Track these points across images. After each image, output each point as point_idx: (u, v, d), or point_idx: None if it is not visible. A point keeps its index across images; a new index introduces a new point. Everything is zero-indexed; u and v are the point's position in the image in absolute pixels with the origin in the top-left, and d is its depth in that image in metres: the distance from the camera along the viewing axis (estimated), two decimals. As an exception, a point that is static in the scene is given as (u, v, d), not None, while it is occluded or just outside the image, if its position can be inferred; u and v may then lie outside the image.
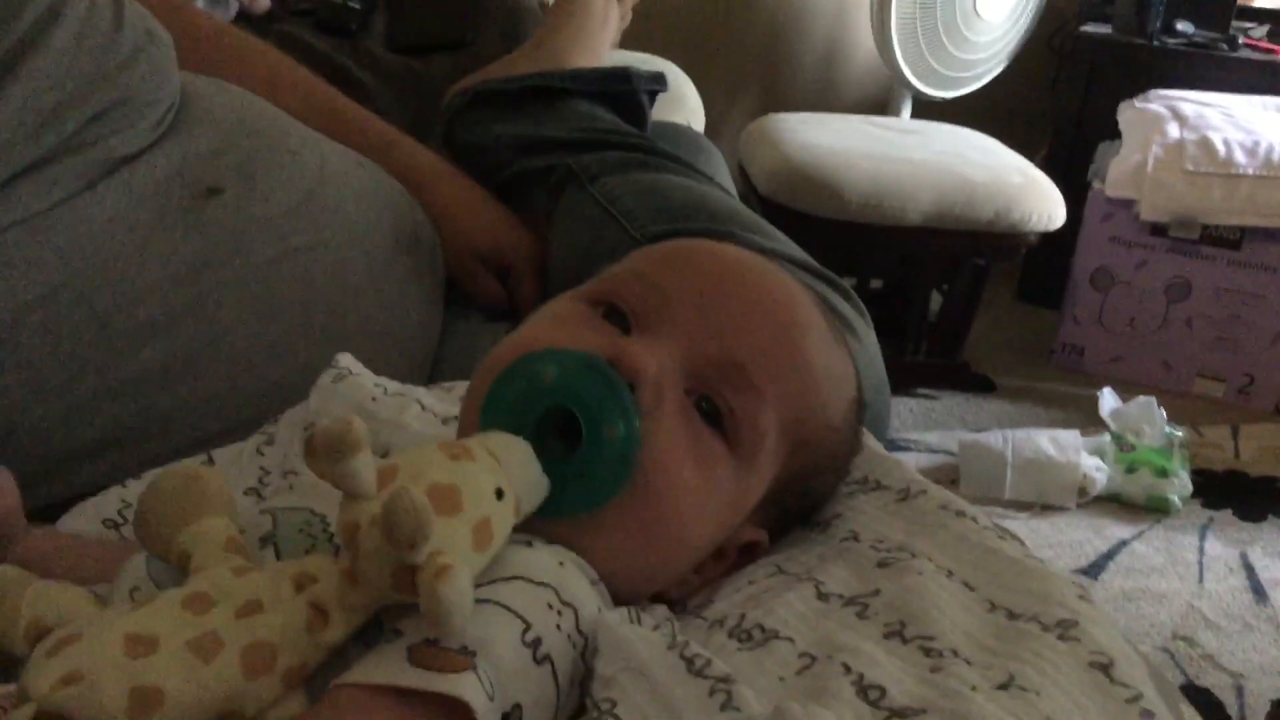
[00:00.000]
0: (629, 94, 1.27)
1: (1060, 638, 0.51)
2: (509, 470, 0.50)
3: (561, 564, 0.53)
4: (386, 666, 0.44)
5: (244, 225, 0.88)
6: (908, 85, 2.64)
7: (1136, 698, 0.48)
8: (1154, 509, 2.09)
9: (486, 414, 0.55)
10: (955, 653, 0.50)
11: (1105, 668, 0.50)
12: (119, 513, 0.69)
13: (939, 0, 2.52)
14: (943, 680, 0.48)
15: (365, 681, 0.44)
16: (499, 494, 0.49)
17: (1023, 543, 0.67)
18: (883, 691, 0.48)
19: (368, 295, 0.95)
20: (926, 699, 0.47)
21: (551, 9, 1.46)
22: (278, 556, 0.53)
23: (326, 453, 0.46)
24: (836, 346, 0.66)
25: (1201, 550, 2.00)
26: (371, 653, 0.46)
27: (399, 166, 1.09)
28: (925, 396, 2.47)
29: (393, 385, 0.77)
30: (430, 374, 1.02)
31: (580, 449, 0.54)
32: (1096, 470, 2.08)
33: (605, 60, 1.45)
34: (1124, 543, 2.00)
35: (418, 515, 0.44)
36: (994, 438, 2.11)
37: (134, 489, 0.71)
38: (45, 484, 0.76)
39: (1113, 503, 2.10)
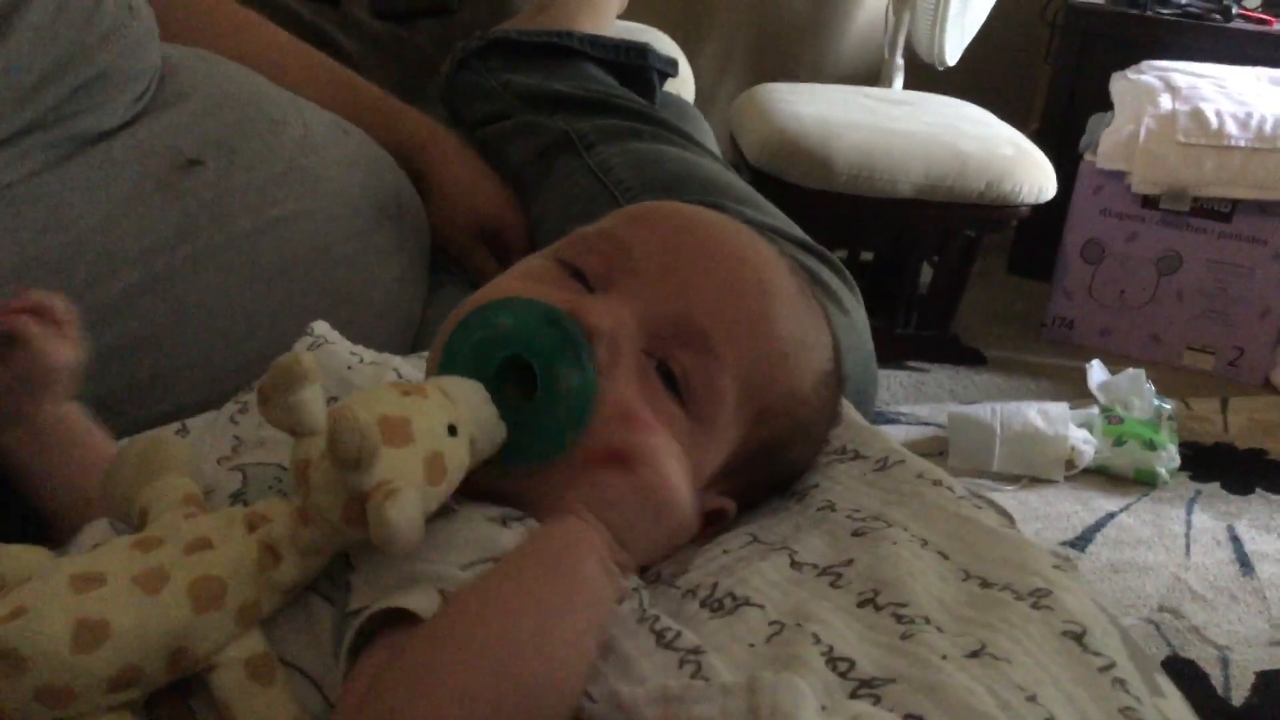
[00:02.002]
0: (641, 69, 1.27)
1: (1033, 606, 0.51)
2: (462, 409, 0.50)
3: None
4: None
5: (224, 195, 0.88)
6: (942, 61, 2.62)
7: (1109, 666, 0.48)
8: (1142, 481, 2.09)
9: (445, 361, 0.55)
10: (927, 620, 0.50)
11: (1078, 636, 0.49)
12: None
13: None
14: (913, 648, 0.48)
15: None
16: (452, 430, 0.49)
17: (1007, 514, 0.66)
18: (852, 664, 0.48)
19: (349, 265, 0.95)
20: (895, 668, 0.47)
21: None
22: None
23: (275, 387, 0.46)
24: (809, 315, 0.65)
25: (1189, 523, 2.01)
26: None
27: (403, 137, 1.09)
28: (915, 369, 2.47)
29: (369, 354, 0.77)
30: (413, 344, 1.01)
31: (535, 397, 0.54)
32: (1085, 443, 2.08)
33: (610, 28, 1.44)
34: (1111, 515, 2.00)
35: (361, 431, 0.44)
36: (983, 410, 2.11)
37: None
38: None
39: (1101, 475, 2.10)
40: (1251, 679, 1.65)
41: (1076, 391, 2.28)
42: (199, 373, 0.84)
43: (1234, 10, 2.80)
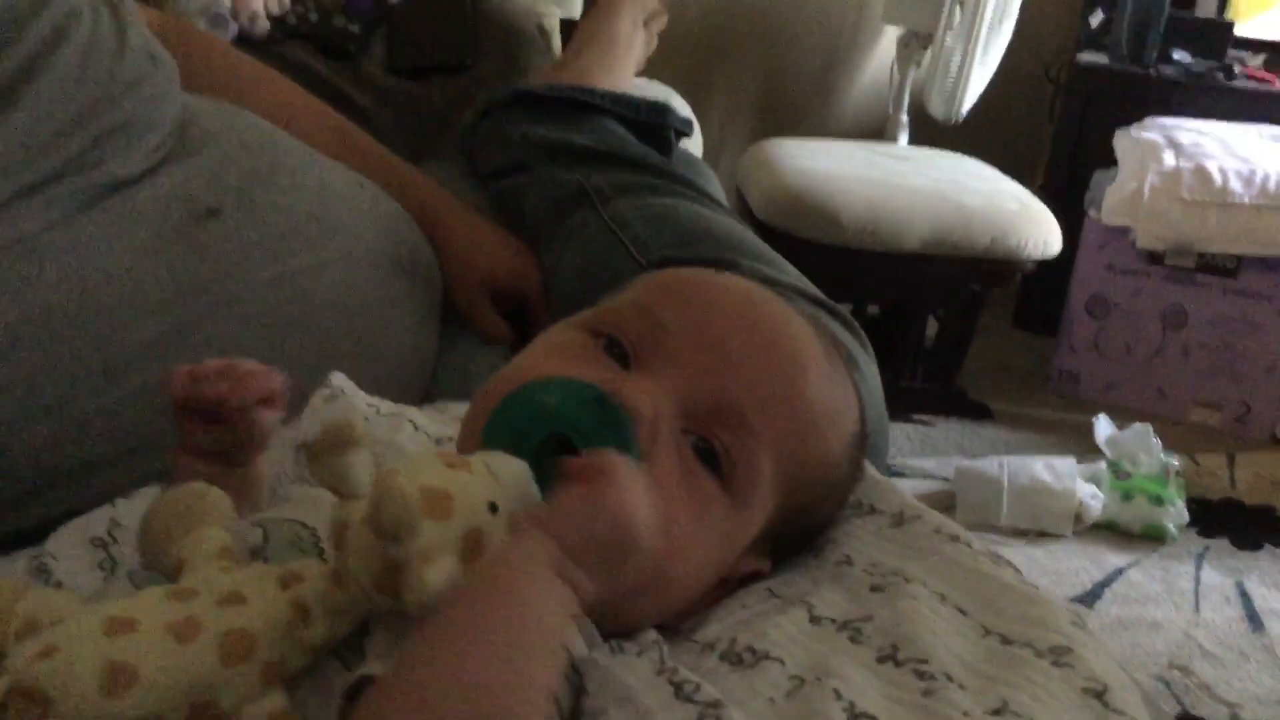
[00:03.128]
0: (661, 128, 1.28)
1: (1054, 664, 0.51)
2: (505, 487, 0.50)
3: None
4: None
5: (242, 246, 0.88)
6: (958, 117, 2.65)
7: (1130, 725, 0.48)
8: (1150, 537, 2.08)
9: (487, 436, 0.55)
10: (949, 677, 0.50)
11: (1099, 694, 0.49)
12: (108, 532, 0.69)
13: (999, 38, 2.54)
14: (935, 705, 0.48)
15: None
16: (493, 508, 0.49)
17: (1018, 570, 0.66)
18: None
19: (364, 317, 0.95)
20: (919, 726, 0.47)
21: (576, 31, 1.48)
22: None
23: (326, 448, 0.47)
24: (837, 380, 0.65)
25: (1197, 579, 2.00)
26: None
27: (413, 197, 1.10)
28: (922, 423, 2.47)
29: (386, 405, 0.77)
30: (425, 396, 1.02)
31: None
32: (1092, 498, 2.08)
33: (628, 85, 1.46)
34: (1120, 571, 1.99)
35: (405, 502, 0.44)
36: (990, 464, 2.11)
37: (123, 508, 0.71)
38: (38, 502, 0.76)
39: (1109, 530, 2.10)
40: (1261, 738, 1.64)
41: (1083, 446, 2.28)
42: (214, 425, 0.84)
43: (1236, 69, 2.83)
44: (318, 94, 1.19)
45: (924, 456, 2.33)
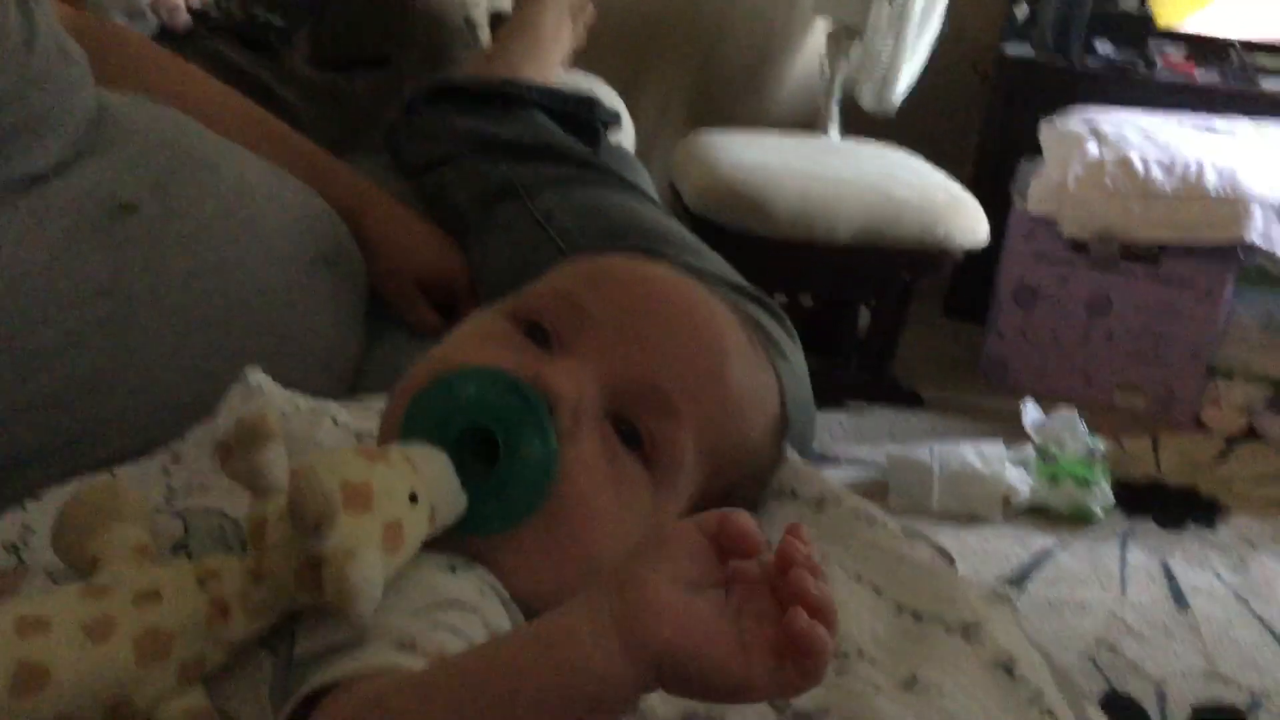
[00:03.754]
0: (588, 120, 1.28)
1: (964, 638, 0.52)
2: (425, 478, 0.50)
3: (481, 591, 0.53)
4: None
5: (158, 241, 0.87)
6: (889, 109, 2.67)
7: (1037, 696, 0.49)
8: (1077, 519, 2.12)
9: (406, 428, 0.55)
10: (861, 654, 0.51)
11: (1007, 667, 0.50)
12: (20, 538, 0.67)
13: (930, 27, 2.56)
14: (848, 683, 0.48)
15: None
16: (413, 499, 0.49)
17: (947, 553, 0.67)
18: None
19: (287, 311, 0.94)
20: (828, 701, 0.47)
21: (505, 23, 1.47)
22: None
23: (240, 443, 0.46)
24: (759, 367, 0.66)
25: (1123, 559, 2.04)
26: None
27: (338, 191, 1.09)
28: (854, 411, 2.49)
29: (305, 401, 0.77)
30: (352, 390, 1.01)
31: (497, 466, 0.54)
32: (1020, 482, 2.11)
33: (554, 77, 1.46)
34: (1048, 553, 2.03)
35: (324, 496, 0.44)
36: (921, 451, 2.14)
37: (34, 512, 0.69)
38: None
39: (1037, 514, 2.13)
40: (1187, 711, 1.68)
41: (1012, 431, 2.32)
42: (133, 421, 0.83)
43: (1158, 60, 2.89)
44: (240, 88, 1.18)
45: (857, 443, 2.35)
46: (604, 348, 0.59)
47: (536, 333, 0.61)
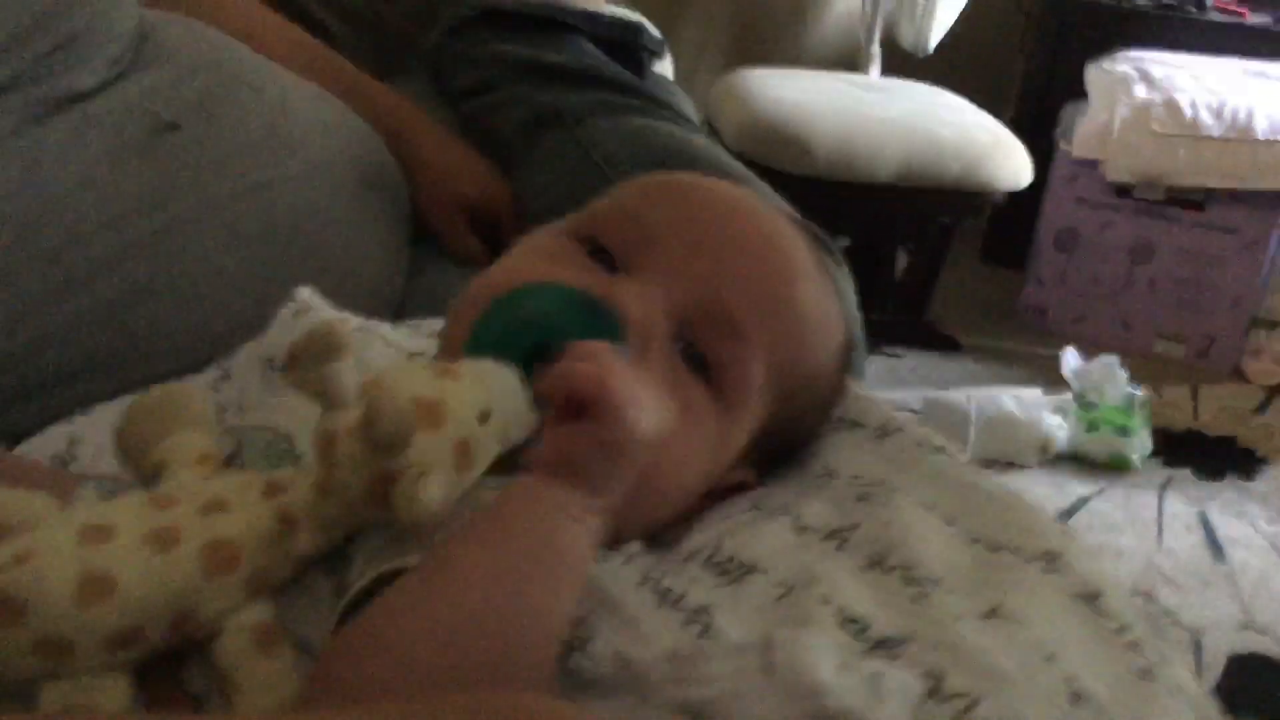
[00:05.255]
0: (632, 47, 1.25)
1: (1044, 569, 0.50)
2: (495, 396, 0.49)
3: None
4: None
5: (202, 160, 0.86)
6: (925, 50, 2.60)
7: (1123, 629, 0.48)
8: (1114, 467, 2.10)
9: (472, 344, 0.53)
10: (938, 582, 0.49)
11: (1091, 599, 0.49)
12: (67, 449, 0.67)
13: None
14: (926, 609, 0.47)
15: None
16: (484, 417, 0.47)
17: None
18: (865, 624, 0.47)
19: (331, 231, 0.93)
20: (911, 629, 0.46)
21: None
22: None
23: (310, 354, 0.45)
24: (827, 292, 0.64)
25: (1161, 509, 2.02)
26: None
27: (383, 116, 1.07)
28: (890, 355, 2.47)
29: (355, 320, 0.75)
30: (395, 317, 1.00)
31: None
32: (1058, 428, 2.09)
33: (598, 4, 1.43)
34: (1085, 500, 2.01)
35: (399, 415, 0.42)
36: (958, 396, 2.11)
37: (81, 424, 0.69)
38: (16, 411, 0.74)
39: (1074, 461, 2.11)
40: (1223, 662, 1.66)
41: (1048, 378, 2.29)
42: (177, 339, 0.82)
43: (1208, 2, 2.82)
44: (278, 10, 1.16)
45: (892, 388, 2.33)
46: (671, 269, 0.57)
47: (600, 252, 0.59)
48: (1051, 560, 0.51)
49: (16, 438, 0.69)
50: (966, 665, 0.42)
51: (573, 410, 0.48)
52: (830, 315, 0.63)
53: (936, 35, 2.60)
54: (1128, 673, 0.46)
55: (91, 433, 0.68)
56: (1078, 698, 0.43)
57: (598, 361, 0.48)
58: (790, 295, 0.60)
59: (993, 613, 0.47)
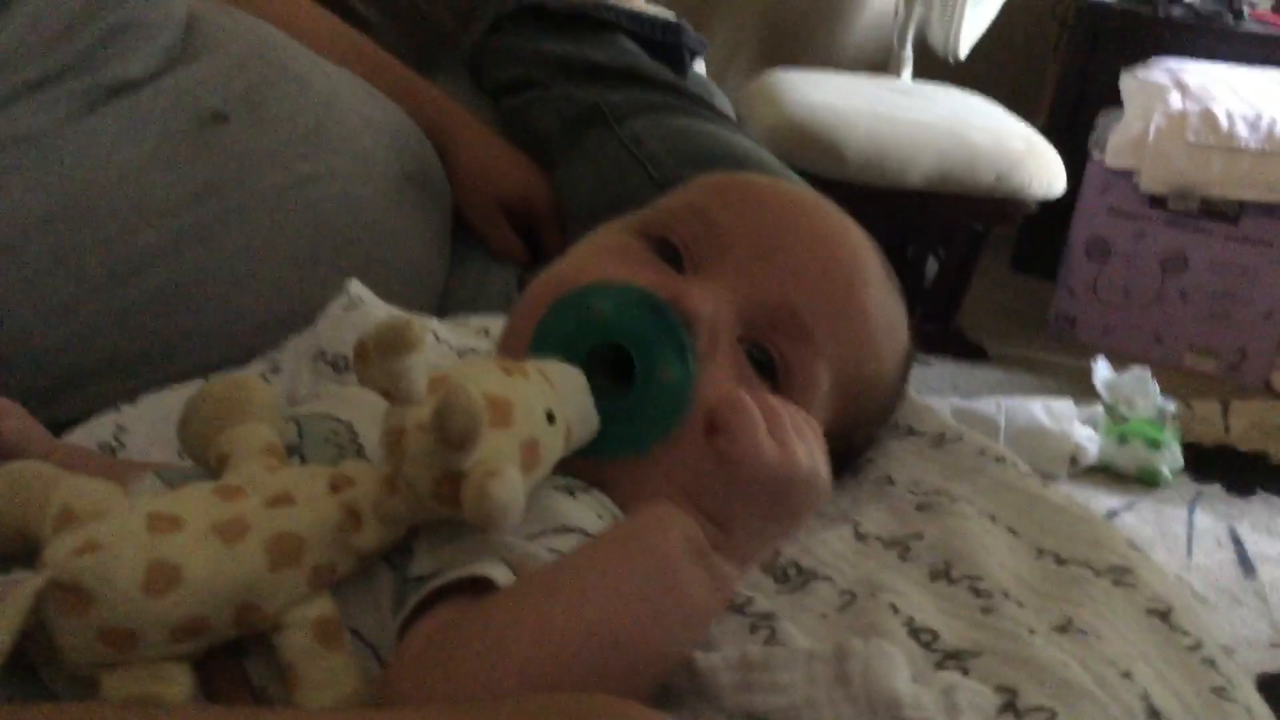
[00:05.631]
0: (674, 46, 1.25)
1: (1114, 583, 0.50)
2: (561, 396, 0.48)
3: (600, 516, 0.51)
4: None
5: (250, 152, 0.86)
6: (955, 54, 2.58)
7: (1197, 645, 0.47)
8: (1144, 481, 2.08)
9: (538, 342, 0.53)
10: (1006, 595, 0.48)
11: (1163, 614, 0.48)
12: (114, 437, 0.67)
13: None
14: (996, 621, 0.46)
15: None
16: (550, 417, 0.47)
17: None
18: (935, 634, 0.46)
19: (375, 226, 0.93)
20: (981, 641, 0.45)
21: None
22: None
23: (381, 349, 0.44)
24: (893, 294, 0.63)
25: (1191, 523, 2.00)
26: None
27: (425, 112, 1.07)
28: (919, 362, 2.44)
29: (405, 316, 0.75)
30: (437, 310, 0.99)
31: (633, 388, 0.52)
32: (1088, 440, 2.07)
33: (637, 3, 1.42)
34: (1114, 513, 1.99)
35: (472, 412, 0.42)
36: (987, 405, 2.10)
37: (128, 414, 0.69)
38: (46, 406, 0.74)
39: (1104, 473, 2.09)
40: (1253, 680, 1.65)
41: (1078, 389, 2.27)
42: (223, 330, 0.82)
43: (1245, 12, 2.79)
44: (322, 4, 1.16)
45: (920, 395, 2.31)
46: (740, 268, 0.57)
47: (667, 250, 0.59)
48: (1121, 574, 0.50)
49: (60, 426, 0.68)
50: (1041, 680, 0.42)
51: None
52: (895, 321, 0.63)
53: (968, 40, 2.58)
54: (1204, 690, 0.45)
55: (138, 422, 0.68)
56: (1155, 714, 0.43)
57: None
58: (858, 300, 0.59)
59: (1065, 626, 0.46)
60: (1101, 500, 2.02)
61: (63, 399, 0.75)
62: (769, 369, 0.56)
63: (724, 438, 0.49)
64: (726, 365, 0.55)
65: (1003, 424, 2.06)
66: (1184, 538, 1.96)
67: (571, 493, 0.51)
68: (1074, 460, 2.07)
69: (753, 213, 0.59)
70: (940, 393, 2.34)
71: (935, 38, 2.63)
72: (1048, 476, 2.00)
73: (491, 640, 0.41)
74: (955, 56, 2.63)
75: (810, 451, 0.51)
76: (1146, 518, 2.00)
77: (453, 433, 0.42)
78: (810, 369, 0.57)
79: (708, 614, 0.46)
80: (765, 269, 0.57)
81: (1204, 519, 2.02)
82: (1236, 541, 1.97)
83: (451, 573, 0.43)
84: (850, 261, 0.60)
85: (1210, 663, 0.46)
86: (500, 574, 0.43)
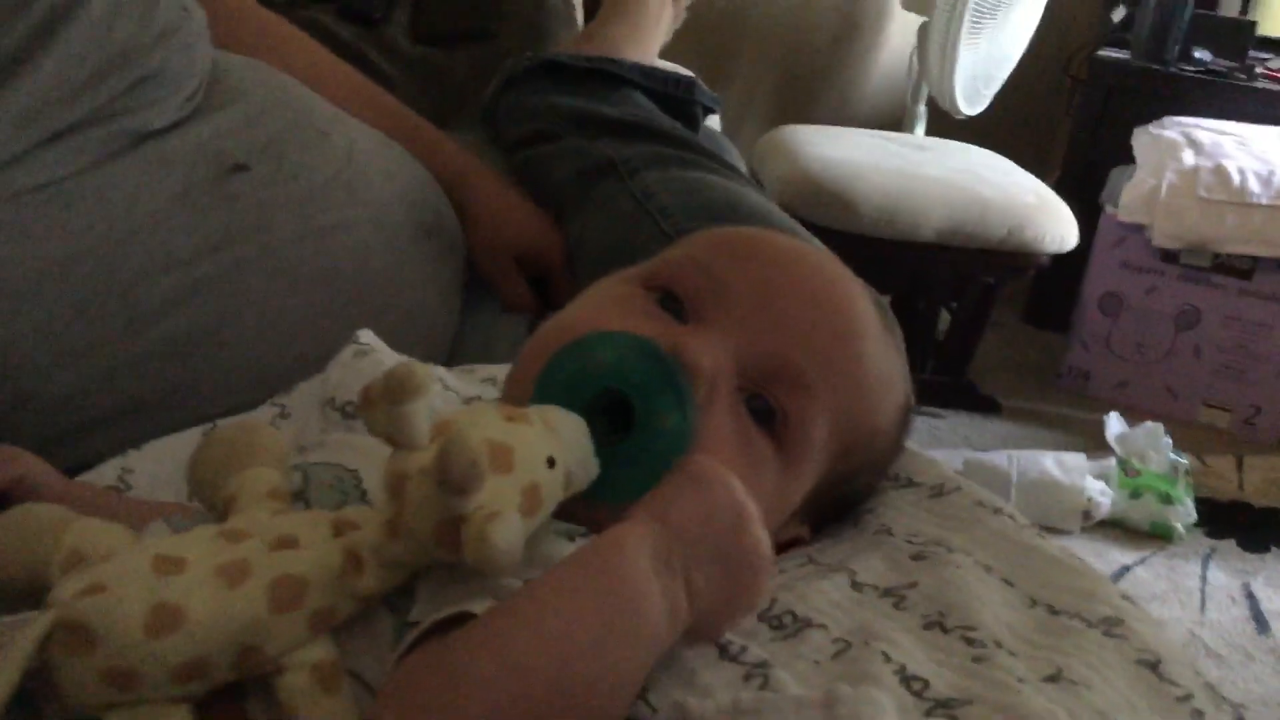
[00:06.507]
0: (688, 103, 1.27)
1: (1105, 634, 0.50)
2: (562, 442, 0.49)
3: None
4: None
5: (269, 202, 0.87)
6: (953, 106, 2.60)
7: (1188, 697, 0.47)
8: (1157, 535, 2.07)
9: (540, 389, 0.54)
10: (999, 644, 0.49)
11: (1153, 665, 0.48)
12: (120, 478, 0.68)
13: (997, 25, 2.49)
14: (987, 671, 0.47)
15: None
16: (550, 463, 0.48)
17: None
18: (926, 683, 0.47)
19: (389, 277, 0.94)
20: (972, 690, 0.45)
21: (604, 2, 1.46)
22: None
23: (387, 395, 0.45)
24: (891, 350, 0.65)
25: (1204, 579, 1.99)
26: None
27: (442, 164, 1.09)
28: (931, 415, 2.46)
29: (410, 362, 0.76)
30: (447, 362, 1.01)
31: (632, 435, 0.53)
32: (1101, 494, 2.06)
33: (654, 59, 1.45)
34: (1127, 568, 1.98)
35: (473, 457, 0.43)
36: (999, 458, 2.10)
37: (134, 458, 0.70)
38: (60, 449, 0.75)
39: (1116, 528, 2.09)
40: (1269, 740, 1.63)
41: (1091, 443, 2.27)
42: (238, 377, 0.84)
43: (1257, 70, 2.82)
44: (341, 57, 1.18)
45: (932, 448, 2.32)
46: (741, 320, 0.58)
47: (669, 301, 0.60)
48: (1113, 625, 0.51)
49: (73, 471, 0.70)
50: (1029, 728, 0.42)
51: None
52: (894, 375, 0.64)
53: (966, 95, 2.59)
54: (1192, 742, 0.45)
55: (142, 464, 0.69)
56: (1142, 765, 0.43)
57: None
58: (856, 353, 0.60)
59: (1055, 676, 0.47)
60: (1114, 555, 2.02)
61: (76, 443, 0.76)
62: (768, 419, 0.57)
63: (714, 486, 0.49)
64: (725, 414, 0.56)
65: (1015, 477, 2.06)
66: (1197, 593, 1.95)
67: (571, 538, 0.52)
68: (1087, 514, 2.06)
69: (754, 266, 0.60)
70: (952, 445, 2.34)
71: (935, 92, 2.64)
72: (1060, 531, 2.02)
73: (454, 668, 0.41)
74: (957, 113, 2.64)
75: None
76: (1159, 573, 1.98)
77: (454, 477, 0.43)
78: (808, 420, 0.58)
79: (663, 640, 0.46)
80: (765, 321, 0.58)
81: (1217, 575, 2.01)
82: (1250, 597, 1.96)
83: (440, 613, 0.44)
84: (849, 315, 0.61)
85: (1199, 714, 0.46)
86: (482, 608, 0.44)
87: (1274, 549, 2.12)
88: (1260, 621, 1.89)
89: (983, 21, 2.46)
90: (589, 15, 1.57)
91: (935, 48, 2.50)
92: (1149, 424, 2.18)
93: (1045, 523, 2.04)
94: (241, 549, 0.44)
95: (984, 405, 2.51)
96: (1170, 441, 2.15)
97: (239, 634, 0.43)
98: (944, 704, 0.45)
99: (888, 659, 0.48)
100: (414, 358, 0.80)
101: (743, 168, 1.39)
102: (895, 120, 2.87)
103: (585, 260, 1.09)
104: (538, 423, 0.49)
